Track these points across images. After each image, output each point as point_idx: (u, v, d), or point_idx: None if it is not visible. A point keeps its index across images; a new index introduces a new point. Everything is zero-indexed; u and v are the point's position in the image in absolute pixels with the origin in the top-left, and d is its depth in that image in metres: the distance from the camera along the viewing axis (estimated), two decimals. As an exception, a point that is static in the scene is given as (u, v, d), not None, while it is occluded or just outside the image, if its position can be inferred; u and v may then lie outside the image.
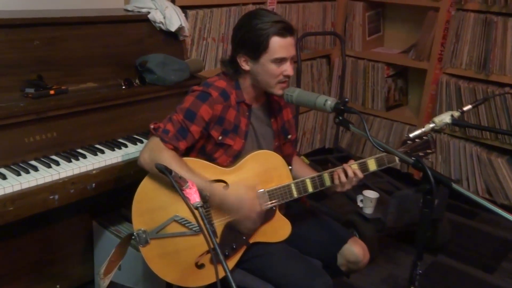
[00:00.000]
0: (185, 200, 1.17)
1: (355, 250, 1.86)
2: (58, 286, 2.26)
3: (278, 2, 3.15)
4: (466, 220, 3.27)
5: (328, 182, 1.81)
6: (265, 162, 1.80)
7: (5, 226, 1.87)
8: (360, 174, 1.78)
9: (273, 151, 1.86)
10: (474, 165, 3.31)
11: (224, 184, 1.74)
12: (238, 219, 1.70)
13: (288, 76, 1.74)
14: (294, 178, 1.88)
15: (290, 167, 1.86)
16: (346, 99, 1.61)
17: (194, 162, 1.74)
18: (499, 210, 1.33)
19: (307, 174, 1.89)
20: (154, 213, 1.70)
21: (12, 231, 2.03)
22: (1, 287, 2.08)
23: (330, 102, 1.61)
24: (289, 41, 1.71)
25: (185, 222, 1.70)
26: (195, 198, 1.28)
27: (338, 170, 1.78)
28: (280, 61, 1.71)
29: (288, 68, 1.72)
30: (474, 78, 3.22)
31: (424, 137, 1.93)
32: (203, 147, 1.81)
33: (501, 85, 3.13)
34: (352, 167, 1.78)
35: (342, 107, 1.58)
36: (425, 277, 2.68)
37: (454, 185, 1.35)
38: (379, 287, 2.58)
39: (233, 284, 1.16)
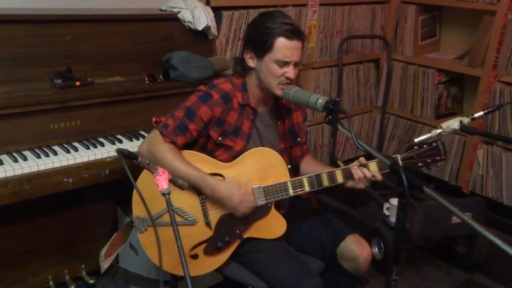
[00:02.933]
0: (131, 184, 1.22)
1: (352, 246, 1.83)
2: (83, 266, 2.40)
3: (320, 5, 3.15)
4: (509, 237, 3.06)
5: (326, 183, 1.80)
6: (263, 159, 1.82)
7: (35, 206, 2.06)
8: (368, 173, 1.78)
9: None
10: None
11: (221, 178, 1.78)
12: (229, 209, 1.74)
13: (289, 79, 1.75)
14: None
15: (289, 166, 1.86)
16: (337, 99, 1.61)
17: (193, 155, 1.80)
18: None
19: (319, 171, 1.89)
20: (152, 202, 1.74)
21: (44, 210, 2.21)
22: (30, 261, 2.26)
23: (321, 101, 1.61)
24: (294, 44, 1.71)
25: (181, 212, 1.76)
26: (163, 184, 1.34)
27: (353, 168, 1.78)
28: (283, 63, 1.72)
29: (290, 71, 1.73)
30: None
31: (433, 144, 1.87)
32: (204, 145, 1.86)
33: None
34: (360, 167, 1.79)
35: (331, 106, 1.58)
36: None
37: (426, 189, 1.31)
38: (400, 298, 2.50)
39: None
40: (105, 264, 1.86)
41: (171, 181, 1.40)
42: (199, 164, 1.77)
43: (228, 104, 1.80)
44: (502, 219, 3.25)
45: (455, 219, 2.60)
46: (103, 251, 1.86)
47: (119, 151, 1.28)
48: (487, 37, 3.18)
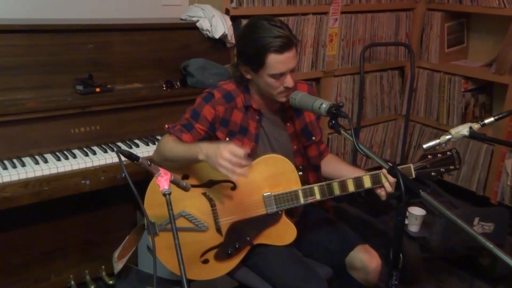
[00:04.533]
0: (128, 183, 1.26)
1: (361, 255, 1.82)
2: (103, 267, 2.47)
3: (342, 12, 3.15)
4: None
5: (337, 191, 1.79)
6: (274, 167, 1.82)
7: (58, 207, 2.15)
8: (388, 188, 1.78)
9: (290, 155, 1.88)
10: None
11: (232, 185, 1.79)
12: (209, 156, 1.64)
13: (288, 87, 1.74)
14: (326, 178, 1.89)
15: (300, 173, 1.85)
16: (341, 104, 1.61)
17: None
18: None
19: (342, 172, 1.91)
20: (163, 207, 1.74)
21: (67, 211, 2.30)
22: (53, 260, 2.35)
23: (325, 105, 1.62)
24: (286, 56, 1.69)
25: (191, 218, 1.78)
26: (164, 185, 1.38)
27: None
28: (278, 75, 1.71)
29: (287, 81, 1.72)
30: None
31: (448, 152, 1.85)
32: None
33: None
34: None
35: (334, 111, 1.59)
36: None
37: (422, 194, 1.30)
38: (418, 310, 2.47)
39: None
40: (118, 266, 1.91)
41: (174, 182, 1.43)
42: (210, 170, 1.75)
43: (230, 102, 1.82)
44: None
45: (477, 229, 2.54)
46: (116, 253, 1.92)
47: (118, 151, 1.33)
48: (515, 43, 3.12)
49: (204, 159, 1.64)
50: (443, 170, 1.85)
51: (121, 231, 2.51)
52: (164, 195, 1.38)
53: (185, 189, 1.52)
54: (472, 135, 1.70)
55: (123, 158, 1.40)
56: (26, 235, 2.24)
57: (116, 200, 2.45)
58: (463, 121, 3.47)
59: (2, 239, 2.18)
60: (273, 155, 1.83)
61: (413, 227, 2.61)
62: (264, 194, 1.80)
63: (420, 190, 1.31)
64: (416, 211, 2.60)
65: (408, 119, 3.46)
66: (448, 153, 1.85)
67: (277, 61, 1.68)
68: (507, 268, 2.61)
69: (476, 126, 1.71)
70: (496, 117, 1.73)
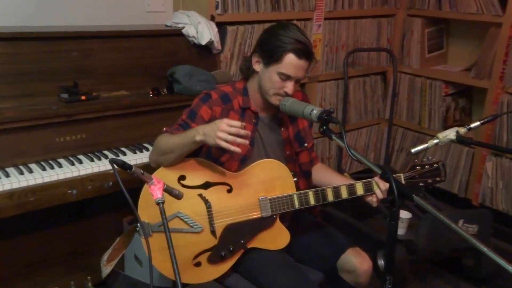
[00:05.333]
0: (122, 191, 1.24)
1: (352, 258, 1.83)
2: (89, 277, 2.41)
3: (325, 19, 3.17)
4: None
5: (331, 197, 1.81)
6: (270, 171, 1.83)
7: (42, 217, 2.10)
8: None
9: (282, 160, 1.88)
10: (535, 194, 3.06)
11: (228, 188, 1.80)
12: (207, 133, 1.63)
13: (287, 94, 1.76)
14: (315, 186, 1.90)
15: (295, 179, 1.86)
16: (332, 109, 1.62)
17: (201, 162, 1.81)
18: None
19: (332, 181, 1.92)
20: (156, 208, 1.74)
21: (52, 221, 2.25)
22: (38, 272, 2.29)
23: (316, 111, 1.63)
24: (301, 63, 1.74)
25: (187, 219, 1.76)
26: (157, 194, 1.37)
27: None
28: (285, 77, 1.75)
29: (289, 87, 1.76)
30: (537, 98, 3.01)
31: (435, 165, 1.88)
32: (208, 152, 1.87)
33: None
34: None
35: (325, 117, 1.59)
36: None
37: (415, 198, 1.31)
38: (406, 311, 2.48)
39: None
40: (107, 269, 1.87)
41: (166, 190, 1.42)
42: (207, 171, 1.78)
43: (227, 104, 1.83)
44: (506, 229, 3.20)
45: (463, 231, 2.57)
46: (106, 256, 1.87)
47: (112, 160, 1.31)
48: (494, 49, 3.17)
49: (202, 138, 1.62)
50: (431, 181, 1.89)
51: (108, 240, 2.43)
52: (158, 203, 1.36)
53: (178, 197, 1.50)
54: (459, 139, 1.73)
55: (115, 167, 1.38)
56: (9, 247, 2.18)
57: (102, 209, 2.41)
58: (444, 124, 3.52)
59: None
60: (270, 160, 1.85)
61: (400, 230, 2.62)
62: (260, 198, 1.80)
63: (413, 195, 1.31)
64: (403, 214, 2.62)
65: (391, 123, 3.49)
66: (435, 165, 1.89)
67: (292, 63, 1.73)
68: (490, 269, 2.69)
69: (462, 130, 1.74)
70: (482, 122, 1.75)
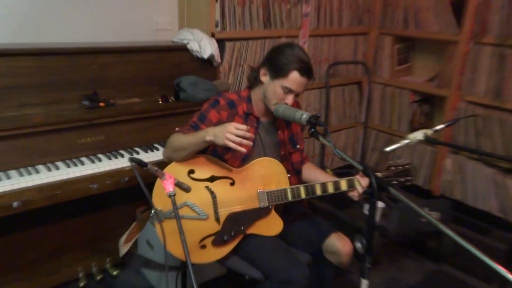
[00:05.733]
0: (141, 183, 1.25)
1: (335, 242, 1.84)
2: (107, 259, 2.43)
3: (310, 36, 3.19)
4: (478, 235, 3.06)
5: (319, 192, 1.81)
6: (268, 168, 1.83)
7: (68, 208, 2.10)
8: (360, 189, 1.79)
9: (278, 159, 1.88)
10: (489, 186, 3.10)
11: (231, 181, 1.80)
12: (217, 134, 1.62)
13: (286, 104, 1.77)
14: (305, 182, 1.91)
15: (288, 175, 1.87)
16: (318, 114, 1.63)
17: (208, 159, 1.80)
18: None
19: (319, 178, 1.93)
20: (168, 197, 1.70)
21: (74, 212, 2.25)
22: (64, 255, 2.30)
23: (305, 116, 1.63)
24: (303, 80, 1.75)
25: (195, 208, 1.76)
26: (169, 188, 1.36)
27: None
28: (288, 90, 1.75)
29: (290, 99, 1.76)
30: (489, 105, 3.04)
31: (406, 166, 1.89)
32: (215, 150, 1.86)
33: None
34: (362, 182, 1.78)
35: (313, 121, 1.60)
36: (427, 284, 2.56)
37: (391, 189, 1.33)
38: (379, 287, 2.50)
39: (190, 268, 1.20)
40: (124, 249, 1.85)
41: (177, 185, 1.42)
42: (213, 167, 1.78)
43: (233, 109, 1.82)
44: (468, 218, 3.25)
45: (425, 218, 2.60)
46: (123, 238, 1.86)
47: (132, 159, 1.31)
48: (452, 63, 3.21)
49: (211, 139, 1.62)
50: (402, 180, 1.89)
51: (122, 228, 2.43)
52: (170, 196, 1.36)
53: (186, 191, 1.50)
54: (427, 139, 1.74)
55: (127, 164, 1.38)
56: (39, 234, 2.18)
57: (118, 202, 2.40)
58: (411, 127, 3.55)
59: (19, 237, 2.12)
60: (269, 158, 1.85)
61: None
62: (258, 191, 1.81)
63: (389, 187, 1.33)
64: (377, 204, 2.63)
65: (366, 126, 3.51)
66: (406, 166, 1.89)
67: (295, 79, 1.73)
68: (449, 249, 2.73)
69: (429, 132, 1.75)
70: (446, 124, 1.78)
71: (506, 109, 2.96)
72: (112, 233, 2.43)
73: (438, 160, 3.37)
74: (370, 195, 1.37)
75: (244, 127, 1.59)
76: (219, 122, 1.78)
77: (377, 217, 2.66)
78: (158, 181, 1.73)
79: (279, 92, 1.75)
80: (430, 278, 2.61)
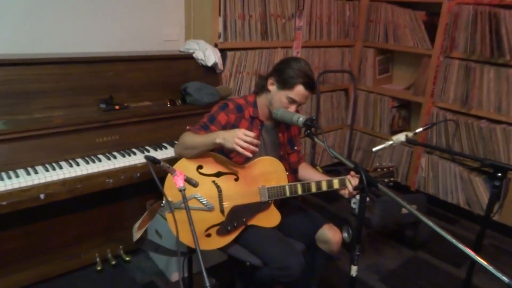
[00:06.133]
0: (158, 183, 1.24)
1: (326, 232, 1.85)
2: (121, 246, 2.42)
3: (302, 47, 3.20)
4: (447, 225, 3.10)
5: (314, 189, 1.81)
6: (269, 166, 1.83)
7: (86, 200, 2.10)
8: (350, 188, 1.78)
9: (277, 159, 1.88)
10: (457, 182, 3.14)
11: (235, 177, 1.80)
12: (226, 138, 1.64)
13: None
14: (300, 180, 1.90)
15: (287, 173, 1.87)
16: (314, 117, 1.63)
17: (216, 156, 1.80)
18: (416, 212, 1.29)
19: (313, 177, 1.93)
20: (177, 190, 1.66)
21: (91, 204, 2.25)
22: (82, 242, 2.30)
23: (301, 119, 1.63)
24: (307, 93, 1.75)
25: (202, 200, 1.76)
26: (180, 183, 1.36)
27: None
28: (292, 101, 1.75)
29: (293, 108, 1.76)
30: (458, 111, 3.08)
31: (391, 168, 1.89)
32: (221, 149, 1.82)
33: (479, 117, 2.98)
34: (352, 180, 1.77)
35: (309, 123, 1.60)
36: (405, 268, 2.58)
37: (380, 186, 1.34)
38: (364, 271, 2.52)
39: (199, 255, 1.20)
40: (137, 235, 1.84)
41: (186, 180, 1.42)
42: (219, 163, 1.77)
43: (240, 113, 1.82)
44: (439, 210, 3.29)
45: (404, 210, 2.62)
46: (136, 225, 1.84)
47: (147, 157, 1.31)
48: (426, 73, 3.23)
49: (221, 141, 1.62)
50: (387, 180, 1.89)
51: (134, 218, 2.41)
52: (180, 191, 1.35)
53: (194, 186, 1.50)
54: (408, 140, 1.76)
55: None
56: (61, 223, 2.18)
57: (129, 195, 2.40)
58: (391, 129, 3.58)
59: (43, 226, 2.12)
60: (270, 157, 1.84)
61: (359, 210, 2.66)
62: (260, 187, 1.80)
63: (378, 183, 1.34)
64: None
65: (352, 128, 3.53)
66: (391, 168, 1.90)
67: (299, 92, 1.73)
68: (425, 237, 2.75)
69: (410, 134, 1.77)
70: (424, 128, 1.79)
71: (471, 115, 3.00)
72: (124, 224, 2.43)
73: (414, 159, 3.40)
74: (360, 190, 1.37)
75: (252, 134, 1.60)
76: (227, 124, 1.79)
77: (362, 210, 2.68)
78: (169, 176, 1.73)
79: (284, 101, 1.75)
80: (407, 263, 2.64)
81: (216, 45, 2.64)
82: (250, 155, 1.61)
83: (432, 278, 2.50)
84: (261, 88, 1.86)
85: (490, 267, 1.07)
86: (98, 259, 2.31)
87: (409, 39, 3.29)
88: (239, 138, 1.58)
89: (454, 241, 1.18)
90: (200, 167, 1.76)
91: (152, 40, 2.70)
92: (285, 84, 1.74)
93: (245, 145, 1.58)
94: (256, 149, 1.62)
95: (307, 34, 3.22)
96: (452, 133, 3.07)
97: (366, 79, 3.68)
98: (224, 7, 2.65)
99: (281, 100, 1.76)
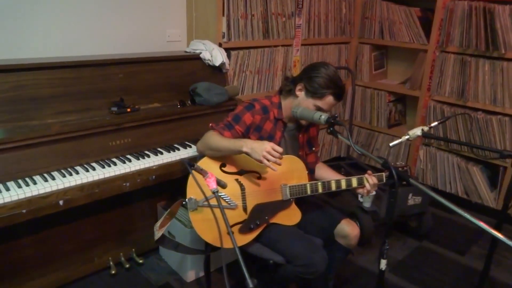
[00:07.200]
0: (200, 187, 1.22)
1: (345, 227, 1.86)
2: (133, 249, 2.38)
3: (302, 45, 3.19)
4: (447, 214, 3.16)
5: (333, 187, 1.80)
6: (291, 164, 1.82)
7: (98, 205, 2.02)
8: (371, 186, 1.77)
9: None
10: (455, 172, 3.20)
11: (258, 175, 1.78)
12: (255, 149, 1.61)
13: None
14: (317, 179, 1.89)
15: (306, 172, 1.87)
16: (336, 115, 1.63)
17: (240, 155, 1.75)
18: (446, 202, 1.31)
19: (330, 176, 1.93)
20: (204, 187, 1.61)
21: (103, 209, 2.20)
22: (96, 246, 2.25)
23: (324, 117, 1.63)
24: (335, 103, 1.76)
25: (226, 198, 1.74)
26: (212, 185, 1.34)
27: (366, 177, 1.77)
28: (319, 109, 1.74)
29: None
30: (454, 103, 3.13)
31: (404, 168, 1.89)
32: None
33: (475, 109, 3.03)
34: (373, 178, 1.77)
35: (332, 121, 1.60)
36: (412, 258, 2.62)
37: (412, 181, 1.35)
38: (372, 263, 2.54)
39: (237, 248, 1.20)
40: (159, 233, 1.81)
41: (217, 182, 1.40)
42: (242, 161, 1.75)
43: (266, 114, 1.80)
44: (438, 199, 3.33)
45: (410, 202, 2.65)
46: (158, 223, 1.81)
47: (183, 160, 1.29)
48: (422, 68, 3.27)
49: (248, 151, 1.61)
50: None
51: (146, 221, 2.44)
52: (214, 193, 1.33)
53: (223, 187, 1.49)
54: (424, 134, 1.77)
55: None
56: (74, 228, 2.12)
57: (140, 198, 2.36)
58: (388, 123, 3.61)
59: (57, 232, 2.06)
60: (291, 156, 1.83)
61: (366, 204, 2.69)
62: (282, 185, 1.79)
63: (410, 179, 1.35)
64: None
65: (350, 123, 3.56)
66: (405, 168, 1.90)
67: (329, 102, 1.74)
68: (428, 228, 2.80)
69: (426, 128, 1.78)
70: (439, 122, 1.81)
71: (467, 107, 3.05)
72: (136, 226, 2.39)
73: (412, 151, 3.44)
74: (391, 185, 1.38)
75: (280, 149, 1.59)
76: (252, 124, 1.77)
77: (369, 203, 2.70)
78: (194, 173, 1.70)
79: (311, 108, 1.74)
80: (413, 253, 2.67)
81: (220, 45, 2.60)
82: (275, 169, 1.60)
83: (438, 266, 2.54)
84: (288, 91, 1.83)
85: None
86: (111, 263, 2.27)
87: (404, 34, 3.33)
88: (268, 152, 1.57)
89: (466, 215, 1.18)
90: (223, 165, 1.74)
91: (155, 42, 2.64)
92: (315, 93, 1.73)
93: (273, 159, 1.57)
94: (281, 163, 1.61)
95: (306, 32, 3.21)
96: (468, 127, 3.07)
97: (362, 75, 3.70)
98: (228, 6, 2.62)
99: (308, 106, 1.75)
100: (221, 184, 1.46)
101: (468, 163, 3.12)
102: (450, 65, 3.09)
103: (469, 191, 3.14)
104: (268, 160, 1.57)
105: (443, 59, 3.12)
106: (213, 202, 1.70)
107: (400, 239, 2.83)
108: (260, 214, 1.78)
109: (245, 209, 1.76)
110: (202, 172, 1.36)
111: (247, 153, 1.62)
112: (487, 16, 2.82)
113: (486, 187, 3.07)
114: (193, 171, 1.30)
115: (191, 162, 1.33)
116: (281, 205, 1.81)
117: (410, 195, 2.64)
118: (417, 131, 1.78)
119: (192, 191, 1.70)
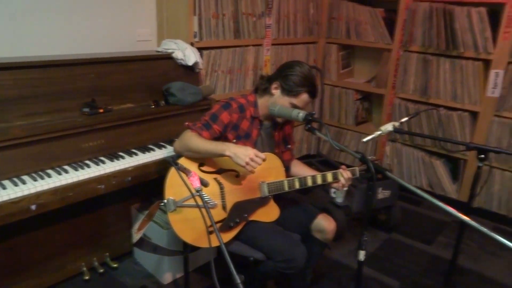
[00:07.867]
0: (188, 186, 1.22)
1: (322, 222, 1.90)
2: (107, 253, 2.32)
3: (272, 44, 3.22)
4: (413, 207, 3.30)
5: (309, 183, 1.83)
6: (268, 162, 1.82)
7: (69, 209, 1.95)
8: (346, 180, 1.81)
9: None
10: (419, 166, 3.34)
11: (236, 173, 1.79)
12: (238, 154, 1.63)
13: None
14: (293, 176, 1.91)
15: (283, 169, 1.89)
16: (313, 112, 1.66)
17: None
18: (423, 194, 1.37)
19: (305, 172, 1.95)
20: (182, 187, 1.57)
21: (75, 213, 2.13)
22: (68, 252, 2.17)
23: (302, 114, 1.66)
24: (309, 101, 1.80)
25: (205, 197, 1.73)
26: (196, 184, 1.34)
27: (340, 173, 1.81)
28: (295, 106, 1.77)
29: None
30: (418, 100, 3.27)
31: (375, 161, 1.93)
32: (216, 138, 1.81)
33: (437, 105, 3.17)
34: (346, 172, 1.82)
35: (310, 118, 1.63)
36: (382, 250, 2.71)
37: (387, 173, 1.40)
38: (346, 256, 2.61)
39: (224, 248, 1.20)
40: (137, 236, 1.79)
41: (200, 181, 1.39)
42: (221, 160, 1.75)
43: (242, 113, 1.81)
44: (404, 193, 3.42)
45: (379, 196, 2.74)
46: (136, 225, 1.79)
47: (167, 158, 1.28)
48: (387, 67, 3.39)
49: (231, 156, 1.61)
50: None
51: (119, 224, 2.38)
52: (197, 191, 1.33)
53: (206, 185, 1.48)
54: (395, 130, 1.84)
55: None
56: (45, 234, 2.04)
57: (113, 200, 2.30)
58: (355, 121, 3.71)
59: (27, 239, 1.98)
60: (269, 153, 1.84)
61: (339, 199, 2.74)
62: (260, 182, 1.80)
63: (386, 171, 1.40)
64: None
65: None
66: (376, 161, 1.95)
67: (304, 100, 1.77)
68: (396, 221, 2.90)
69: (396, 124, 1.85)
70: (409, 117, 1.89)
71: (430, 103, 3.20)
72: (109, 230, 2.33)
73: (379, 147, 3.56)
74: (369, 178, 1.42)
75: (263, 156, 1.62)
76: (230, 123, 1.77)
77: (342, 199, 2.76)
78: (171, 174, 1.69)
79: (286, 106, 1.77)
80: (383, 245, 2.76)
81: (192, 44, 2.58)
82: (254, 172, 1.63)
83: (408, 257, 2.65)
84: (263, 90, 1.85)
85: (483, 228, 1.14)
86: (85, 268, 2.20)
87: (370, 34, 3.43)
88: (251, 159, 1.59)
89: (439, 203, 1.23)
90: (201, 164, 1.73)
91: (125, 41, 2.58)
92: (290, 91, 1.76)
93: (255, 166, 1.60)
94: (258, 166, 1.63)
95: (276, 31, 3.24)
96: (431, 123, 3.19)
97: (330, 74, 3.78)
98: (199, 6, 2.60)
99: (283, 105, 1.77)
100: (203, 183, 1.46)
101: (432, 157, 3.27)
102: (413, 63, 3.22)
103: (433, 184, 3.30)
104: (251, 167, 1.59)
105: (407, 58, 3.25)
106: (192, 201, 1.69)
107: (370, 232, 2.92)
108: (239, 212, 1.79)
109: (224, 207, 1.77)
110: (186, 171, 1.35)
111: (229, 157, 1.62)
112: (447, 17, 2.97)
113: (448, 180, 3.22)
114: (177, 169, 1.28)
115: (176, 162, 1.32)
116: (260, 202, 1.83)
117: (380, 189, 2.73)
118: (388, 127, 1.85)
119: (170, 192, 1.67)
